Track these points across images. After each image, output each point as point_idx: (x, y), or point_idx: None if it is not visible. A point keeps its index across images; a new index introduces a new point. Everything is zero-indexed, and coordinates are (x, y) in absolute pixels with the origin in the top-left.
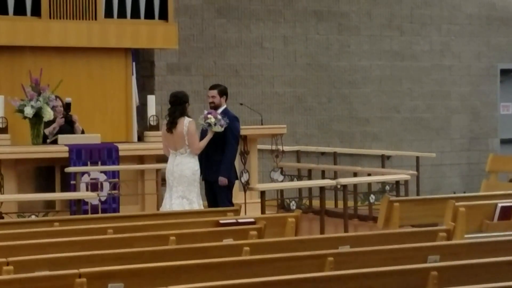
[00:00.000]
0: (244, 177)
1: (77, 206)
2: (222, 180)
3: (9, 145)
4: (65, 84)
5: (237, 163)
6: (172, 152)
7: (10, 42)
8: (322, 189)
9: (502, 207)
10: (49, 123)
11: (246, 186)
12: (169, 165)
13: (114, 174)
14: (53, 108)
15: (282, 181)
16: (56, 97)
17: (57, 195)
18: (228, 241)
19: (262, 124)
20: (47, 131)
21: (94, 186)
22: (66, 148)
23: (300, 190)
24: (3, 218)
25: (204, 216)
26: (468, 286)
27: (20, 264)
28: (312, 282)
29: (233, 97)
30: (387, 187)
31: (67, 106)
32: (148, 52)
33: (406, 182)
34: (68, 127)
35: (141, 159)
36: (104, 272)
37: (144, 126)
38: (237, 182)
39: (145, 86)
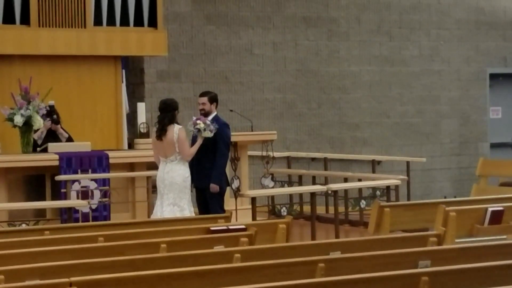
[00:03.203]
0: (235, 184)
1: (68, 214)
2: (214, 187)
3: None
4: (54, 92)
5: (228, 169)
6: (163, 159)
7: None
8: (313, 194)
9: (493, 211)
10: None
11: (237, 193)
12: (159, 173)
13: (104, 182)
14: (42, 116)
15: (272, 187)
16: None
17: (48, 204)
18: (219, 248)
19: (252, 131)
20: (35, 135)
21: (85, 194)
22: (56, 156)
23: (291, 196)
24: None
25: (195, 223)
26: None
27: (10, 273)
28: None
29: (223, 103)
30: (378, 192)
31: (50, 109)
32: (137, 59)
33: (396, 187)
34: (53, 139)
35: (131, 167)
36: (95, 281)
37: (134, 134)
38: (228, 189)
39: (135, 94)
